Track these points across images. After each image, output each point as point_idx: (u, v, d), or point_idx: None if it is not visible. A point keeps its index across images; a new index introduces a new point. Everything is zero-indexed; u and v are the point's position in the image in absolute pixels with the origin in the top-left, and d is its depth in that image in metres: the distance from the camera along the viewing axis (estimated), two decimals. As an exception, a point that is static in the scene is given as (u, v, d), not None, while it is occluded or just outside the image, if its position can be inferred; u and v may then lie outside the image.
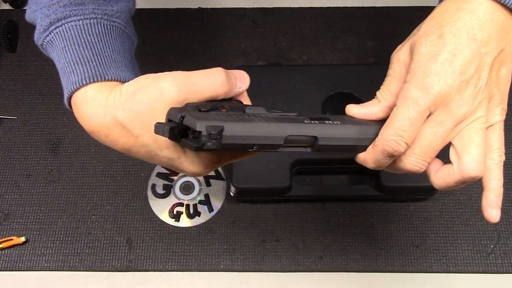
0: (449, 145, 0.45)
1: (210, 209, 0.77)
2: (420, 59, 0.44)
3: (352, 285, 0.72)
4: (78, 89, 0.48)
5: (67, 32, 0.49)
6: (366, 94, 0.77)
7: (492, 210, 0.45)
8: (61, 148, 0.81)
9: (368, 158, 0.46)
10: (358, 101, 0.78)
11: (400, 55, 0.47)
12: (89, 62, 0.48)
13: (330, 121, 0.45)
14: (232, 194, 0.75)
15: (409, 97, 0.43)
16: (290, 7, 0.89)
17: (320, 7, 0.89)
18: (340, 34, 0.87)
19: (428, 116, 0.43)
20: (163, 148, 0.44)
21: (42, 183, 0.79)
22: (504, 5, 0.44)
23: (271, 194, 0.75)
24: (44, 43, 0.51)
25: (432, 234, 0.74)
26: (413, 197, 0.75)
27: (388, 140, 0.43)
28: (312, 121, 0.44)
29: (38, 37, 0.51)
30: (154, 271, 0.73)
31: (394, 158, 0.45)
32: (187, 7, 0.90)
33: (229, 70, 0.45)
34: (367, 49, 0.86)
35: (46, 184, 0.78)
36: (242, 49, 0.86)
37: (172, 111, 0.42)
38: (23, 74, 0.86)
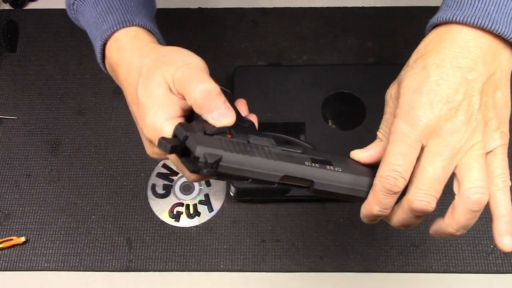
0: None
1: (210, 209, 0.77)
2: (405, 92, 0.45)
3: (352, 285, 0.72)
4: (110, 36, 0.52)
5: None
6: (366, 94, 0.78)
7: (503, 238, 0.44)
8: (61, 148, 0.81)
9: (370, 201, 0.45)
10: (358, 101, 0.78)
11: (391, 92, 0.48)
12: (117, 10, 0.53)
13: (331, 167, 0.45)
14: (232, 194, 0.75)
15: (398, 132, 0.44)
16: (290, 7, 0.89)
17: (320, 7, 0.89)
18: (340, 34, 0.87)
19: (424, 149, 0.43)
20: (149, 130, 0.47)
21: (42, 183, 0.79)
22: (487, 31, 0.44)
23: (271, 194, 0.75)
24: (76, 1, 0.55)
25: (432, 234, 0.74)
26: (413, 197, 0.75)
27: (384, 176, 0.43)
28: (313, 164, 0.44)
29: None
30: (154, 271, 0.73)
31: (395, 196, 0.44)
32: (187, 7, 0.90)
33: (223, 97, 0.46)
34: (367, 49, 0.86)
35: (46, 184, 0.78)
36: (242, 49, 0.86)
37: (178, 128, 0.43)
38: (23, 74, 0.86)
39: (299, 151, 0.45)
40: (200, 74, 0.47)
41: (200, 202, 0.77)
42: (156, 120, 0.46)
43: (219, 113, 0.45)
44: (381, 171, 0.44)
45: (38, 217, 0.76)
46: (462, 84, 0.43)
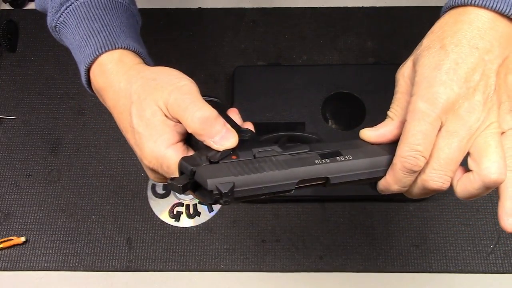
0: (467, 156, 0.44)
1: (210, 209, 0.77)
2: (424, 71, 0.44)
3: (352, 285, 0.72)
4: (94, 60, 0.51)
5: (77, 10, 0.52)
6: (366, 94, 0.78)
7: (509, 218, 0.44)
8: (61, 148, 0.81)
9: (389, 180, 0.45)
10: (358, 101, 0.78)
11: (404, 71, 0.47)
12: (100, 33, 0.51)
13: (341, 157, 0.45)
14: (232, 194, 0.75)
15: (417, 110, 0.43)
16: (290, 7, 0.89)
17: (320, 7, 0.89)
18: (340, 34, 0.87)
19: (440, 129, 0.43)
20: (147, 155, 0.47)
21: (42, 183, 0.79)
22: (503, 15, 0.44)
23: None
24: (58, 24, 0.54)
25: (432, 234, 0.74)
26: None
27: (405, 156, 0.43)
28: (323, 160, 0.44)
29: (51, 19, 0.54)
30: (154, 271, 0.73)
31: (415, 174, 0.44)
32: (187, 7, 0.90)
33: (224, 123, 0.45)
34: (367, 49, 0.86)
35: (46, 184, 0.78)
36: (242, 49, 0.86)
37: (183, 164, 0.43)
38: (23, 74, 0.86)
39: (306, 150, 0.45)
40: (194, 99, 0.46)
41: (200, 202, 0.77)
42: (157, 149, 0.46)
43: (221, 137, 0.45)
44: (401, 151, 0.44)
45: (38, 217, 0.76)
46: (479, 65, 0.44)
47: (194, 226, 0.76)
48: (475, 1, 0.45)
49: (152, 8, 0.89)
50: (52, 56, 0.86)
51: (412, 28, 0.87)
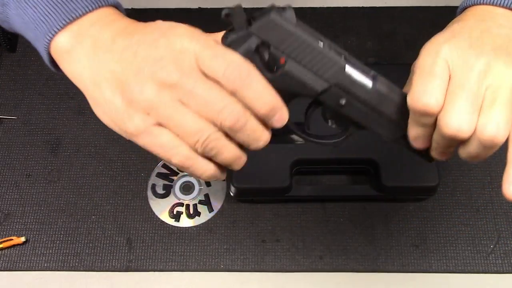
0: None
1: (210, 209, 0.77)
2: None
3: (352, 285, 0.72)
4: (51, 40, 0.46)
5: None
6: (366, 94, 0.77)
7: (510, 186, 0.45)
8: (61, 148, 0.81)
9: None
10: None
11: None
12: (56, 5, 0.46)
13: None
14: (232, 194, 0.75)
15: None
16: (290, 7, 0.89)
17: (320, 7, 0.89)
18: (340, 34, 0.87)
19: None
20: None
21: (42, 183, 0.79)
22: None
23: (271, 194, 0.75)
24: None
25: (432, 234, 0.74)
26: (413, 197, 0.75)
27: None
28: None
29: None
30: (154, 271, 0.73)
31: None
32: (187, 7, 0.90)
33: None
34: (367, 49, 0.86)
35: (46, 184, 0.78)
36: (242, 49, 0.86)
37: (228, 34, 0.46)
38: (23, 74, 0.86)
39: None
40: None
41: (200, 202, 0.77)
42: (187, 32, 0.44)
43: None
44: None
45: (38, 217, 0.76)
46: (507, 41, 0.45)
47: (194, 226, 0.76)
48: (496, 2, 0.48)
49: (152, 8, 0.89)
50: (52, 56, 0.86)
51: (412, 28, 0.87)
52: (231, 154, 0.45)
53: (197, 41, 0.43)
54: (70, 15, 0.46)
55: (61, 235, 0.75)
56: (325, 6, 0.89)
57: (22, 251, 0.75)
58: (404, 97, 0.47)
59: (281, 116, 0.44)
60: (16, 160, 0.80)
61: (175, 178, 0.78)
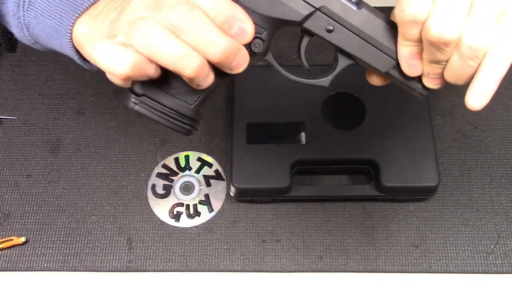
0: None
1: (210, 209, 0.77)
2: None
3: (352, 285, 0.72)
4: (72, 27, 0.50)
5: None
6: (366, 94, 0.78)
7: (471, 96, 0.45)
8: (61, 148, 0.81)
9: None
10: (358, 101, 0.78)
11: None
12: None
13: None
14: (232, 194, 0.75)
15: None
16: (290, 7, 0.89)
17: (320, 7, 0.89)
18: None
19: None
20: None
21: (42, 183, 0.79)
22: None
23: (271, 194, 0.75)
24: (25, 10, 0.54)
25: (432, 234, 0.74)
26: (413, 197, 0.75)
27: None
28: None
29: (16, 16, 0.55)
30: (154, 271, 0.73)
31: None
32: None
33: None
34: None
35: (46, 184, 0.78)
36: (242, 49, 0.86)
37: None
38: (23, 74, 0.86)
39: None
40: None
41: (200, 202, 0.77)
42: None
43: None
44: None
45: (38, 217, 0.76)
46: None
47: (194, 226, 0.76)
48: None
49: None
50: (52, 56, 0.86)
51: (412, 28, 0.86)
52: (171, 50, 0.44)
53: None
54: (78, 10, 0.50)
55: (61, 235, 0.75)
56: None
57: (22, 251, 0.75)
58: (390, 21, 0.48)
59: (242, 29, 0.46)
60: (16, 160, 0.80)
61: (175, 178, 0.78)
